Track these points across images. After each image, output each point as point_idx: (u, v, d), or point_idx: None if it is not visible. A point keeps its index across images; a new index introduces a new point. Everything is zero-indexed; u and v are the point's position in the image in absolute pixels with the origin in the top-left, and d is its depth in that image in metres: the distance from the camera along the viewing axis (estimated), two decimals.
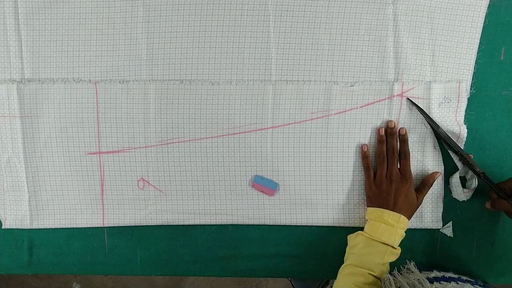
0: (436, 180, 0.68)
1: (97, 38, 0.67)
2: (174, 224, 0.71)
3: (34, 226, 0.71)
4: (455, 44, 0.66)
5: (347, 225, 0.70)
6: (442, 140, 0.66)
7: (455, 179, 0.68)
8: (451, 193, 0.69)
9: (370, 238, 0.62)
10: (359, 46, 0.66)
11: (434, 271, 0.66)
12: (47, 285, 1.61)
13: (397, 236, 0.61)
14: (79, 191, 0.70)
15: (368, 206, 0.67)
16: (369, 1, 0.65)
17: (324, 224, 0.70)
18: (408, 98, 0.66)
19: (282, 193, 0.69)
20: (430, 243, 0.71)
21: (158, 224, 0.71)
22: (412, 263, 0.66)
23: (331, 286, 0.69)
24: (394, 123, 0.66)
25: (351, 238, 0.65)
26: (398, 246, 0.63)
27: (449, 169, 0.69)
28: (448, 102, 0.67)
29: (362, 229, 0.65)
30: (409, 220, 0.64)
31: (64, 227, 0.71)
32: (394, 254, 0.62)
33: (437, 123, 0.66)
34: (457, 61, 0.67)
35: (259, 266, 0.72)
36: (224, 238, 0.72)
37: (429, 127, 0.67)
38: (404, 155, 0.65)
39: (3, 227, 0.71)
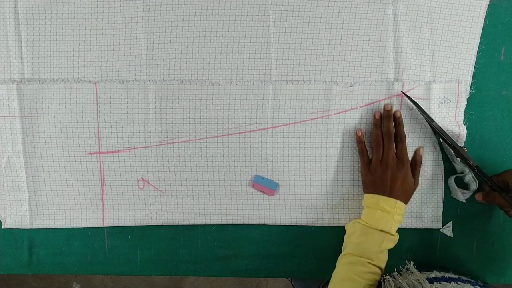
0: (436, 180, 0.68)
1: (97, 38, 0.67)
2: (174, 224, 0.71)
3: (34, 226, 0.71)
4: (455, 44, 0.66)
5: None
6: (436, 134, 0.66)
7: (451, 181, 0.68)
8: (451, 193, 0.69)
9: (367, 226, 0.61)
10: (359, 46, 0.66)
11: (434, 271, 0.65)
12: (47, 285, 1.61)
13: (394, 222, 0.60)
14: (79, 191, 0.70)
15: (364, 193, 0.65)
16: (369, 1, 0.65)
17: (324, 224, 0.70)
18: (402, 92, 0.66)
19: (282, 193, 0.69)
20: (430, 243, 0.71)
21: (158, 224, 0.71)
22: (411, 264, 0.66)
23: None
24: (391, 106, 0.65)
25: (348, 227, 0.65)
26: (396, 232, 0.62)
27: (449, 169, 0.69)
28: (447, 102, 0.67)
29: None
30: (406, 204, 0.62)
31: (64, 227, 0.71)
32: (392, 241, 0.61)
33: (437, 123, 0.66)
34: (457, 61, 0.67)
35: (259, 266, 0.72)
36: (224, 238, 0.72)
37: (429, 127, 0.67)
38: (400, 138, 0.63)
39: (3, 227, 0.71)
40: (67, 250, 0.72)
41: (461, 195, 0.67)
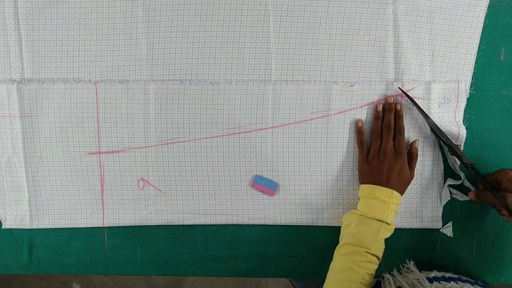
0: (436, 180, 0.68)
1: (97, 38, 0.67)
2: (174, 224, 0.71)
3: (34, 226, 0.71)
4: (455, 44, 0.66)
5: None
6: (432, 131, 0.66)
7: (445, 185, 0.68)
8: (451, 193, 0.69)
9: (363, 216, 0.62)
10: (359, 46, 0.66)
11: (434, 271, 0.66)
12: (47, 285, 1.61)
13: (390, 211, 0.61)
14: (79, 191, 0.70)
15: (360, 184, 0.66)
16: (369, 1, 0.65)
17: (324, 224, 0.70)
18: (399, 87, 0.66)
19: (282, 193, 0.69)
20: (430, 243, 0.71)
21: (158, 224, 0.71)
22: (411, 263, 0.66)
23: None
24: (393, 98, 0.65)
25: (345, 218, 0.65)
26: (393, 222, 0.62)
27: (449, 169, 0.69)
28: (447, 102, 0.67)
29: None
30: (402, 195, 0.63)
31: (64, 227, 0.71)
32: (389, 230, 0.61)
33: (436, 123, 0.66)
34: (456, 61, 0.67)
35: (259, 266, 0.72)
36: (224, 238, 0.72)
37: (429, 127, 0.67)
38: (399, 130, 0.64)
39: (3, 227, 0.71)
40: (67, 250, 0.72)
41: (460, 196, 0.68)
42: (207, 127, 0.68)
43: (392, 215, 0.61)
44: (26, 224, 0.71)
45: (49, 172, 0.70)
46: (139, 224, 0.71)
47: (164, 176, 0.69)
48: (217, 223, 0.71)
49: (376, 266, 0.60)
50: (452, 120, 0.67)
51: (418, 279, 0.60)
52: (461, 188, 0.68)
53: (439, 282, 0.61)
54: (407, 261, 0.67)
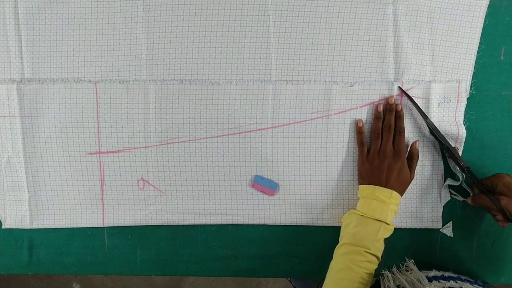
0: (436, 180, 0.68)
1: (97, 38, 0.67)
2: (174, 224, 0.71)
3: (34, 226, 0.71)
4: (455, 44, 0.66)
5: None
6: (431, 133, 0.66)
7: (445, 186, 0.68)
8: (451, 194, 0.69)
9: (362, 216, 0.62)
10: (359, 46, 0.66)
11: (433, 270, 0.66)
12: (47, 285, 1.61)
13: (390, 212, 0.61)
14: (79, 191, 0.70)
15: (360, 184, 0.66)
16: (369, 1, 0.65)
17: (324, 224, 0.70)
18: (399, 86, 0.66)
19: (282, 193, 0.69)
20: (430, 243, 0.71)
21: (158, 224, 0.71)
22: (411, 261, 0.66)
23: None
24: (394, 99, 0.65)
25: (344, 218, 0.65)
26: (392, 222, 0.62)
27: (449, 169, 0.69)
28: (447, 102, 0.67)
29: None
30: (401, 196, 0.63)
31: (64, 227, 0.71)
32: (388, 230, 0.61)
33: (436, 123, 0.66)
34: (457, 61, 0.67)
35: (259, 266, 0.72)
36: (224, 238, 0.72)
37: (428, 128, 0.67)
38: (399, 131, 0.65)
39: (3, 227, 0.71)
40: (67, 250, 0.72)
41: (459, 197, 0.68)
42: (207, 127, 0.68)
43: (391, 215, 0.61)
44: (26, 224, 0.71)
45: (49, 172, 0.70)
46: (139, 224, 0.71)
47: (164, 176, 0.69)
48: (217, 223, 0.71)
49: (375, 266, 0.60)
50: (452, 120, 0.67)
51: (417, 277, 0.61)
52: (460, 190, 0.68)
53: (438, 281, 0.61)
54: (406, 259, 0.67)
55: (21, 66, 0.68)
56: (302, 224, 0.70)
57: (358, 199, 0.65)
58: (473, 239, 0.71)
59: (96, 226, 0.71)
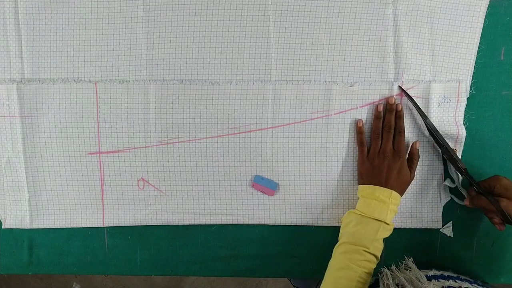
0: (436, 181, 0.68)
1: (97, 38, 0.67)
2: (174, 224, 0.71)
3: (34, 226, 0.71)
4: (455, 44, 0.66)
5: None
6: (430, 134, 0.66)
7: (444, 186, 0.68)
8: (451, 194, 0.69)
9: (362, 215, 0.62)
10: (359, 46, 0.66)
11: (433, 269, 0.66)
12: (47, 285, 1.61)
13: (389, 212, 0.61)
14: (79, 191, 0.70)
15: (359, 184, 0.66)
16: (369, 1, 0.65)
17: (324, 224, 0.70)
18: (399, 86, 0.66)
19: (282, 193, 0.69)
20: (430, 243, 0.71)
21: (158, 224, 0.71)
22: (410, 259, 0.66)
23: None
24: (395, 99, 0.66)
25: (344, 218, 0.65)
26: (392, 222, 0.62)
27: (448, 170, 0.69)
28: (447, 102, 0.67)
29: None
30: (401, 196, 0.63)
31: (64, 227, 0.71)
32: (387, 230, 0.61)
33: (436, 122, 0.66)
34: (457, 61, 0.67)
35: (259, 266, 0.72)
36: (224, 238, 0.72)
37: (427, 128, 0.67)
38: (399, 131, 0.65)
39: (3, 227, 0.71)
40: (67, 250, 0.72)
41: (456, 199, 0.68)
42: (207, 127, 0.68)
43: (391, 215, 0.61)
44: (26, 224, 0.71)
45: (49, 172, 0.70)
46: (139, 224, 0.71)
47: (164, 176, 0.69)
48: (217, 223, 0.71)
49: (374, 266, 0.60)
50: (452, 120, 0.67)
51: (416, 276, 0.61)
52: (458, 193, 0.68)
53: (438, 280, 0.61)
54: (405, 257, 0.66)
55: (21, 66, 0.68)
56: (302, 224, 0.70)
57: (358, 199, 0.65)
58: (473, 239, 0.71)
59: (96, 226, 0.71)
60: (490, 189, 0.62)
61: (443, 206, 0.69)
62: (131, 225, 0.71)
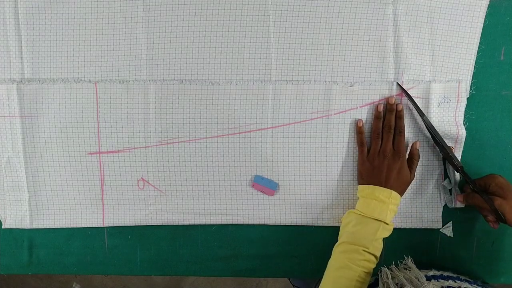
0: (436, 181, 0.68)
1: (97, 38, 0.67)
2: (174, 224, 0.71)
3: (34, 226, 0.71)
4: (455, 44, 0.66)
5: None
6: (428, 131, 0.66)
7: (442, 186, 0.68)
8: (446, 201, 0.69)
9: (362, 215, 0.62)
10: (359, 46, 0.66)
11: (433, 269, 0.66)
12: (47, 285, 1.61)
13: (389, 212, 0.61)
14: (79, 191, 0.70)
15: (359, 184, 0.66)
16: (369, 1, 0.65)
17: (324, 224, 0.70)
18: (397, 83, 0.66)
19: (282, 193, 0.69)
20: (430, 243, 0.71)
21: (158, 224, 0.71)
22: (409, 259, 0.66)
23: None
24: (395, 99, 0.66)
25: (344, 217, 0.66)
26: (392, 222, 0.62)
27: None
28: (447, 102, 0.67)
29: None
30: (401, 196, 0.63)
31: (64, 227, 0.71)
32: (387, 230, 0.61)
33: (436, 122, 0.66)
34: (457, 61, 0.67)
35: (259, 266, 0.72)
36: (224, 238, 0.72)
37: (425, 126, 0.67)
38: (399, 131, 0.65)
39: (3, 227, 0.71)
40: (67, 250, 0.72)
41: (452, 202, 0.68)
42: (207, 127, 0.68)
43: (391, 215, 0.61)
44: (26, 224, 0.71)
45: (49, 172, 0.70)
46: (139, 224, 0.71)
47: (164, 176, 0.69)
48: (217, 223, 0.71)
49: (373, 265, 0.60)
50: (452, 120, 0.67)
51: (415, 275, 0.61)
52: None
53: (437, 280, 0.61)
54: (405, 257, 0.66)
55: (21, 66, 0.67)
56: (302, 224, 0.70)
57: (358, 199, 0.65)
58: (473, 239, 0.71)
59: (96, 226, 0.71)
60: (485, 187, 0.62)
61: (443, 206, 0.69)
62: (131, 225, 0.71)
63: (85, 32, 0.67)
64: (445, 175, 0.69)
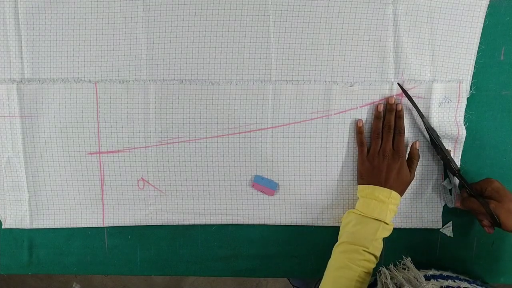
0: (436, 181, 0.68)
1: (97, 38, 0.67)
2: (174, 224, 0.71)
3: (34, 226, 0.71)
4: (455, 44, 0.66)
5: None
6: (427, 132, 0.66)
7: (442, 186, 0.68)
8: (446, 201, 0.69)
9: (361, 215, 0.62)
10: (359, 46, 0.66)
11: (432, 269, 0.66)
12: (47, 285, 1.61)
13: (389, 211, 0.61)
14: (79, 191, 0.70)
15: (359, 184, 0.66)
16: (369, 1, 0.65)
17: (324, 224, 0.70)
18: (398, 83, 0.66)
19: (282, 193, 0.69)
20: (430, 243, 0.71)
21: (158, 224, 0.71)
22: (408, 259, 0.66)
23: None
24: (395, 99, 0.66)
25: (344, 217, 0.66)
26: (391, 222, 0.62)
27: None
28: (448, 102, 0.67)
29: None
30: (401, 196, 0.63)
31: (64, 227, 0.71)
32: (387, 230, 0.61)
33: (436, 123, 0.66)
34: (457, 61, 0.67)
35: (259, 266, 0.72)
36: (224, 238, 0.72)
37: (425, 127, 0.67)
38: (399, 131, 0.65)
39: (3, 227, 0.71)
40: (67, 250, 0.72)
41: (451, 202, 0.68)
42: (207, 127, 0.68)
43: (390, 215, 0.61)
44: (26, 224, 0.71)
45: (49, 172, 0.70)
46: (139, 224, 0.71)
47: (164, 176, 0.69)
48: (217, 223, 0.71)
49: (373, 265, 0.60)
50: (452, 121, 0.67)
51: (414, 275, 0.61)
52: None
53: (437, 280, 0.61)
54: (404, 257, 0.66)
55: (21, 66, 0.68)
56: (302, 224, 0.70)
57: (358, 199, 0.65)
58: (473, 239, 0.71)
59: (96, 226, 0.71)
60: (482, 191, 0.63)
61: (443, 206, 0.69)
62: (131, 225, 0.71)
63: (85, 32, 0.67)
64: (445, 175, 0.69)
